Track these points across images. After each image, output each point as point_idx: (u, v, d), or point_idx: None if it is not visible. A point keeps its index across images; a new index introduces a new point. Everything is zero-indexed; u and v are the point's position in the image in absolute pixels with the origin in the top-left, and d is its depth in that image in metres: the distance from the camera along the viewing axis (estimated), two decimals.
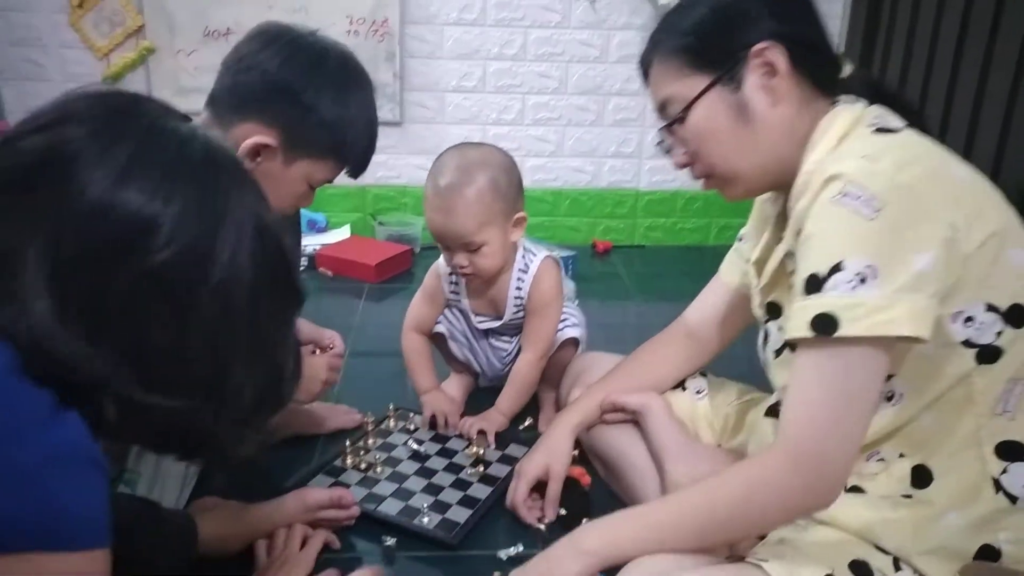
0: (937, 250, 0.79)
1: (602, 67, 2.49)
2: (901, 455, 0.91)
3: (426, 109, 2.48)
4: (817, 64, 0.93)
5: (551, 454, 1.21)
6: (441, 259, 1.50)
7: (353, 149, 1.13)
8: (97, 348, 0.54)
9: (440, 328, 1.52)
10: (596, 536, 0.94)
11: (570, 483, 1.22)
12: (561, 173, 2.61)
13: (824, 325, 0.80)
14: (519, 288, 1.44)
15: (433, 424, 1.42)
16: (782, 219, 1.00)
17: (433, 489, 1.25)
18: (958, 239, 0.80)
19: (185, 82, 2.39)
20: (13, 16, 2.33)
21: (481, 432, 1.38)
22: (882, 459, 0.92)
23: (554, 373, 1.47)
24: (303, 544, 1.07)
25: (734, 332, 1.26)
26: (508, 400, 1.44)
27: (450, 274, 1.48)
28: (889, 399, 0.88)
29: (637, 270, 2.47)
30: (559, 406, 1.43)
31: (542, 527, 1.17)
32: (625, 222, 2.67)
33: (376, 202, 2.58)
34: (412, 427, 1.42)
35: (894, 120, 0.91)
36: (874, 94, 0.95)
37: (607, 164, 2.61)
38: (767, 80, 0.91)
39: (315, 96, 1.06)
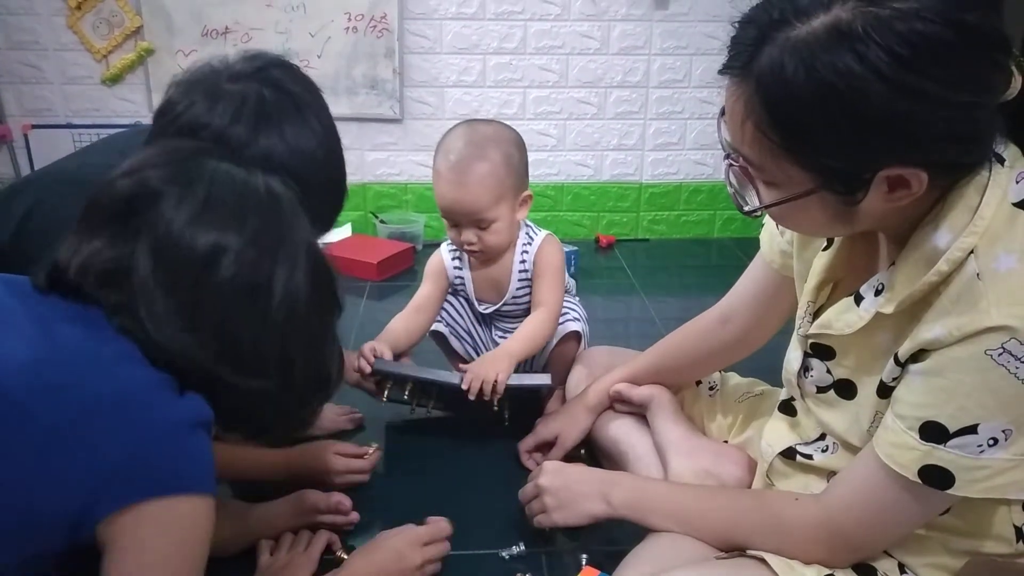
0: None
1: (603, 59, 2.47)
2: None
3: (426, 105, 2.46)
4: (965, 169, 0.73)
5: (567, 426, 1.26)
6: (443, 246, 1.49)
7: None
8: (196, 336, 0.70)
9: (440, 327, 1.50)
10: (627, 493, 0.99)
11: None
12: (563, 167, 2.59)
13: (935, 478, 0.74)
14: (523, 262, 1.43)
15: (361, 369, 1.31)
16: (867, 246, 0.88)
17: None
18: None
19: None
20: (11, 19, 2.32)
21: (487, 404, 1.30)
22: None
23: (558, 367, 1.45)
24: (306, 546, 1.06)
25: (776, 319, 1.11)
26: (518, 343, 1.35)
27: (452, 252, 1.47)
28: None
29: (641, 264, 2.45)
30: (563, 400, 1.41)
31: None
32: (628, 216, 2.65)
33: (377, 199, 2.57)
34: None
35: None
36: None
37: (609, 157, 2.59)
38: (893, 191, 0.71)
39: None
